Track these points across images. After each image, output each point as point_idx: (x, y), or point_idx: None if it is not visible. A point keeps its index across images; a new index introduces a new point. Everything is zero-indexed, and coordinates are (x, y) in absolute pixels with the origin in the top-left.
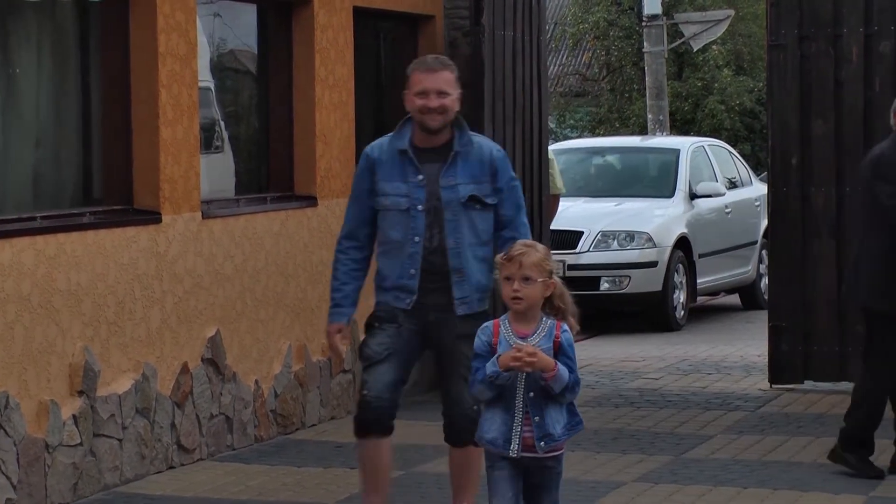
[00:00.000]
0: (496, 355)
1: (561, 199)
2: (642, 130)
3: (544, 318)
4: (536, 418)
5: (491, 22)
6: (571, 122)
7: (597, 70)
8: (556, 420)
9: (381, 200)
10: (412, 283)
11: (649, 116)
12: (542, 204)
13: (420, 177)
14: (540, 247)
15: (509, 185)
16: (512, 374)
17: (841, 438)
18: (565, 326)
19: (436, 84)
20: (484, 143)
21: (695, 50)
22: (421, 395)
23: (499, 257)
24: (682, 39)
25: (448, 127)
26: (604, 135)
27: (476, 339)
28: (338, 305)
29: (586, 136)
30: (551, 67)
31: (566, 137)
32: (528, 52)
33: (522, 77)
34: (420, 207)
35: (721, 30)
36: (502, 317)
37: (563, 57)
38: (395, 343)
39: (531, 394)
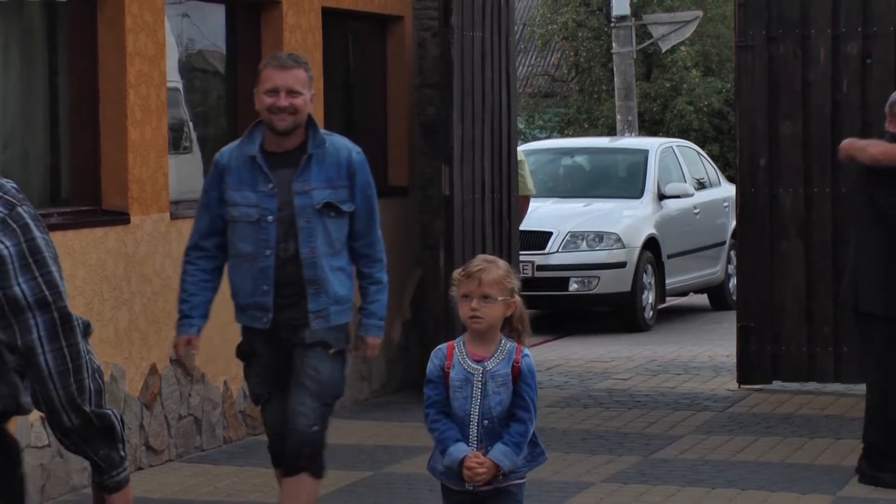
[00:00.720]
0: (451, 449)
1: (531, 200)
2: (611, 131)
3: (503, 341)
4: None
5: (460, 23)
6: (540, 122)
7: (565, 71)
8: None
9: (230, 211)
10: (266, 300)
11: (618, 117)
12: (511, 205)
13: (270, 185)
14: (501, 263)
15: (364, 192)
16: (466, 402)
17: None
18: (526, 350)
19: (286, 82)
20: (341, 144)
21: (663, 51)
22: (389, 395)
23: (456, 273)
24: (651, 40)
25: (301, 128)
26: (573, 135)
27: (429, 363)
28: (186, 317)
29: (555, 137)
30: (520, 68)
31: (535, 138)
32: (497, 52)
33: (491, 78)
34: (270, 218)
35: (689, 31)
36: (458, 338)
37: (531, 58)
38: (270, 377)
39: (486, 422)
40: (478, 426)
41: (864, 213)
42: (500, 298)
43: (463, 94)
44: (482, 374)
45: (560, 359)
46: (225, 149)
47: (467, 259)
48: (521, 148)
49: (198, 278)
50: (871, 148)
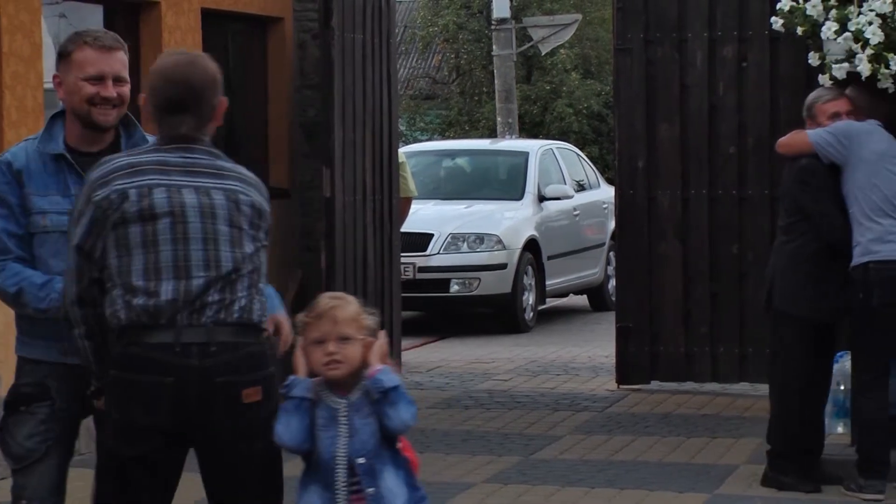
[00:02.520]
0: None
1: (412, 201)
2: (492, 133)
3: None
4: (371, 490)
5: (340, 24)
6: (422, 124)
7: (446, 73)
8: (396, 494)
9: (38, 220)
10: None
11: (499, 119)
12: (392, 207)
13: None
14: (351, 298)
15: None
16: (329, 439)
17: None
18: (383, 368)
19: (113, 67)
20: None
21: (543, 54)
22: None
23: (302, 316)
24: (531, 43)
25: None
26: (454, 137)
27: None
28: None
29: (436, 139)
30: (401, 70)
31: (416, 140)
32: (378, 54)
33: (372, 80)
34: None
35: (569, 34)
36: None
37: (412, 60)
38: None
39: (361, 460)
40: (346, 468)
41: (788, 213)
42: (359, 337)
43: (344, 95)
44: (346, 408)
45: (441, 360)
46: (16, 148)
47: (348, 261)
48: (402, 150)
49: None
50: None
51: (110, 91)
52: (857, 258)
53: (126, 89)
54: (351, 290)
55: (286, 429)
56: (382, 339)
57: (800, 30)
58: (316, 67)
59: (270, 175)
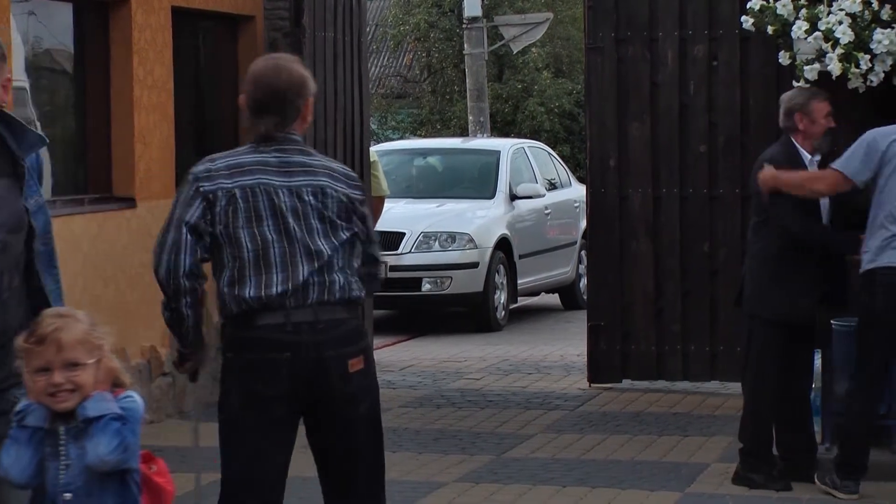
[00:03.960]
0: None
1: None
2: (463, 132)
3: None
4: None
5: (311, 23)
6: (393, 123)
7: (418, 72)
8: None
9: None
10: None
11: (470, 118)
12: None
13: None
14: (80, 315)
15: (39, 201)
16: (52, 471)
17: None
18: (95, 395)
19: None
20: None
21: (514, 52)
22: None
23: (21, 341)
24: (502, 42)
25: None
26: (425, 136)
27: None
28: None
29: (408, 138)
30: (372, 69)
31: (388, 139)
32: (349, 53)
33: (343, 78)
34: None
35: (540, 33)
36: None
37: (384, 58)
38: None
39: (67, 496)
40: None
41: (755, 213)
42: (90, 361)
43: (315, 95)
44: (64, 435)
45: (413, 359)
46: None
47: None
48: (373, 149)
49: None
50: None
51: None
52: (866, 263)
53: None
54: None
55: (15, 462)
56: (109, 358)
57: (770, 29)
58: None
59: None
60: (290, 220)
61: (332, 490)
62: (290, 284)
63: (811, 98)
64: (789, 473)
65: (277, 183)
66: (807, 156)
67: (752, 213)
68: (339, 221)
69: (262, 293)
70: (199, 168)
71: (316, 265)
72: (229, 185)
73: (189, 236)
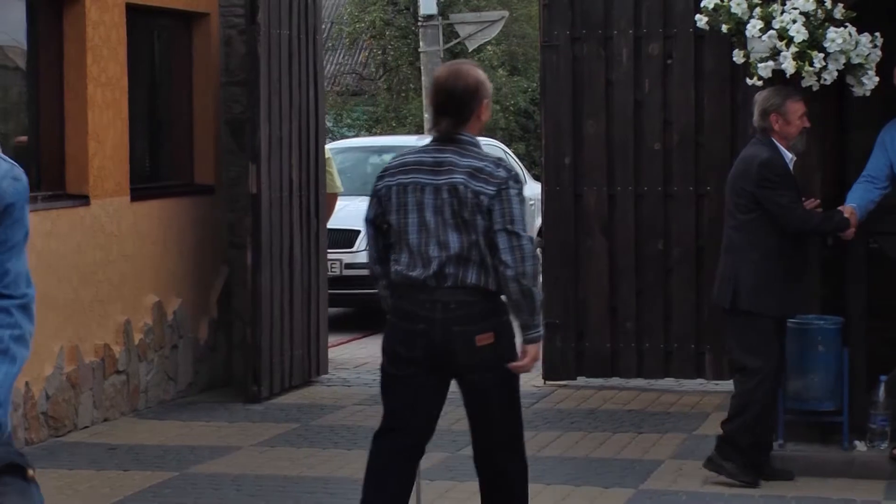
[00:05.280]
0: None
1: (338, 198)
2: (419, 130)
3: None
4: None
5: (266, 20)
6: (348, 121)
7: (373, 69)
8: None
9: None
10: None
11: (426, 116)
12: (319, 203)
13: None
14: None
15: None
16: None
17: (718, 446)
18: None
19: None
20: None
21: (470, 50)
22: (195, 395)
23: None
24: (458, 40)
25: None
26: (381, 134)
27: None
28: None
29: (363, 136)
30: (328, 66)
31: (343, 136)
32: (304, 50)
33: (298, 76)
34: None
35: (496, 30)
36: None
37: (339, 56)
38: None
39: None
40: None
41: (744, 210)
42: None
43: (270, 92)
44: None
45: (368, 356)
46: None
47: (275, 257)
48: (328, 146)
49: None
50: None
51: None
52: None
53: None
54: (277, 286)
55: None
56: None
57: (724, 27)
58: (242, 63)
59: (196, 171)
60: (428, 214)
61: (476, 443)
62: (429, 270)
63: (787, 98)
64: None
65: (425, 181)
66: (788, 156)
67: (736, 212)
68: (471, 217)
69: (407, 274)
70: (385, 166)
71: (448, 255)
72: (393, 183)
73: (371, 230)
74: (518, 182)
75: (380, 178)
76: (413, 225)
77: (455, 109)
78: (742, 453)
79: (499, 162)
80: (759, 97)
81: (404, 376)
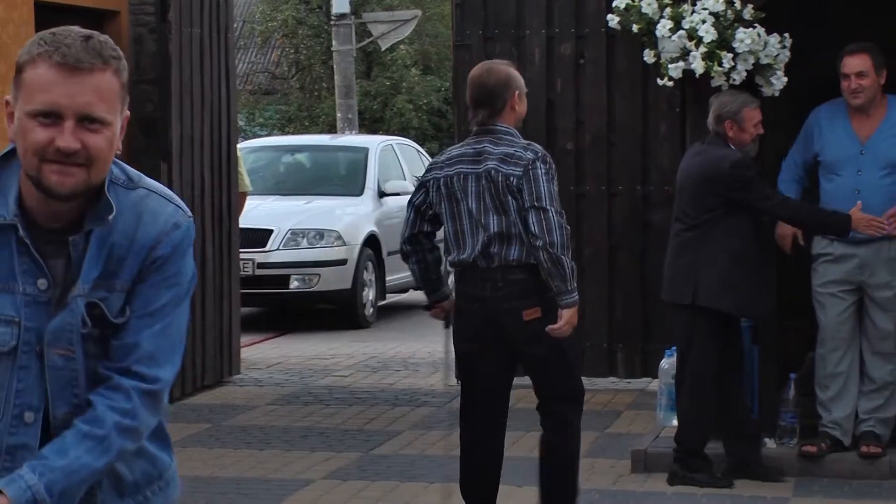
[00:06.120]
0: None
1: (251, 197)
2: (332, 129)
3: None
4: None
5: (177, 19)
6: (261, 120)
7: (286, 68)
8: None
9: None
10: None
11: (338, 115)
12: (231, 202)
13: (43, 283)
14: None
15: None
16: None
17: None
18: None
19: (77, 99)
20: (151, 209)
21: (383, 49)
22: None
23: None
24: (371, 39)
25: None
26: (293, 133)
27: None
28: None
29: (276, 135)
30: (240, 65)
31: (256, 135)
32: (216, 49)
33: (210, 74)
34: (34, 347)
35: (408, 30)
36: None
37: (251, 55)
38: None
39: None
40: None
41: (701, 210)
42: None
43: (181, 91)
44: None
45: (281, 356)
46: None
47: None
48: (242, 145)
49: None
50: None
51: (67, 140)
52: None
53: (102, 137)
54: None
55: None
56: None
57: (635, 27)
58: (153, 62)
59: None
60: (471, 201)
61: (541, 397)
62: (475, 251)
63: (743, 106)
64: (734, 469)
65: (467, 171)
66: None
67: (692, 212)
68: (505, 198)
69: (460, 258)
70: (432, 160)
71: (489, 235)
72: (440, 175)
73: (412, 214)
74: (545, 162)
75: (428, 170)
76: (460, 212)
77: (489, 101)
78: (706, 459)
79: (528, 145)
80: (716, 101)
81: (468, 353)
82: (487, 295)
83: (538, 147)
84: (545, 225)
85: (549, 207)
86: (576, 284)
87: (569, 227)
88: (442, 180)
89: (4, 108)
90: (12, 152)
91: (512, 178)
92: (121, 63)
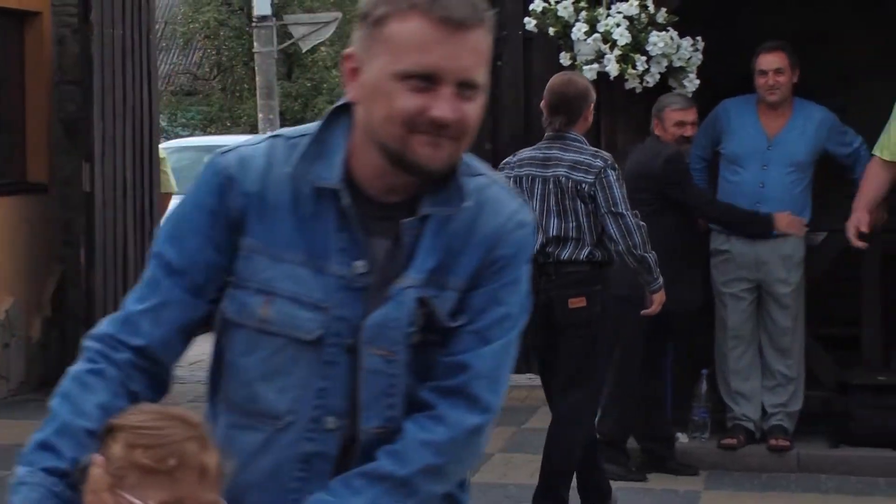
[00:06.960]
0: None
1: (176, 197)
2: (253, 130)
3: None
4: None
5: (99, 20)
6: (183, 120)
7: (208, 69)
8: None
9: (250, 303)
10: None
11: (260, 116)
12: (153, 202)
13: (361, 265)
14: (193, 417)
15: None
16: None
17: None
18: None
19: (461, 62)
20: (493, 199)
21: (304, 51)
22: (27, 393)
23: (120, 453)
24: (292, 41)
25: None
26: (215, 134)
27: None
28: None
29: (198, 135)
30: (162, 66)
31: (178, 136)
32: (138, 50)
33: (132, 75)
34: (345, 341)
35: (329, 32)
36: None
37: (173, 56)
38: None
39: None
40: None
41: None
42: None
43: (104, 91)
44: None
45: (203, 354)
46: (249, 150)
47: (108, 256)
48: (164, 145)
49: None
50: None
51: (445, 109)
52: None
53: (476, 106)
54: (111, 285)
55: None
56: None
57: (552, 30)
58: (75, 63)
59: (28, 170)
60: (535, 202)
61: (558, 382)
62: (534, 249)
63: (667, 106)
64: (649, 464)
65: (535, 173)
66: None
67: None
68: (571, 203)
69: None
70: (505, 159)
71: (547, 238)
72: (511, 174)
73: None
74: (614, 168)
75: (501, 168)
76: None
77: (567, 110)
78: (625, 452)
79: (596, 153)
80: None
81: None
82: (542, 285)
83: (606, 154)
84: (625, 229)
85: (625, 212)
86: (659, 271)
87: (644, 224)
88: (513, 179)
89: (344, 62)
90: (343, 108)
91: (583, 185)
92: (492, 17)
